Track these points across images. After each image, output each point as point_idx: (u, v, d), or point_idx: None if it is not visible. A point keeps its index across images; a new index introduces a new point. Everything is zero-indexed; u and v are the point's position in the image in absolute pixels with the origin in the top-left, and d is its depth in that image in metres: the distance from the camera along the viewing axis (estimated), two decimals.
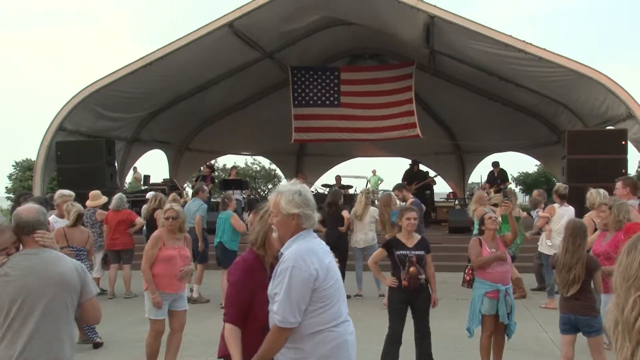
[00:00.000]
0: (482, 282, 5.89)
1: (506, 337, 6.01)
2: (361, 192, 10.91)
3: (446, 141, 21.63)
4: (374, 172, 21.49)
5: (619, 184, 6.84)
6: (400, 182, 13.13)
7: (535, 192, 11.33)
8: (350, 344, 3.22)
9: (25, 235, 3.33)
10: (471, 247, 6.02)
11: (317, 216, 3.26)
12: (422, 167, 19.54)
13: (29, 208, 3.44)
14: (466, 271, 6.10)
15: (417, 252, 5.85)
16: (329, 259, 3.23)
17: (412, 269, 5.78)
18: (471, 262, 6.06)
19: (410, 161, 19.03)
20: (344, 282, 11.48)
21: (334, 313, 3.14)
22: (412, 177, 17.69)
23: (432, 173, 20.13)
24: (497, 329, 5.92)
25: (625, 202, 6.26)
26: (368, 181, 20.09)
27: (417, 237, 6.00)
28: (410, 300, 5.88)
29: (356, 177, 21.53)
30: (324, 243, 3.37)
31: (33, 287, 3.19)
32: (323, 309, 3.09)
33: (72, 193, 8.75)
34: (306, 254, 3.10)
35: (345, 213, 10.41)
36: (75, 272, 3.32)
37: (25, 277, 3.19)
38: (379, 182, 20.85)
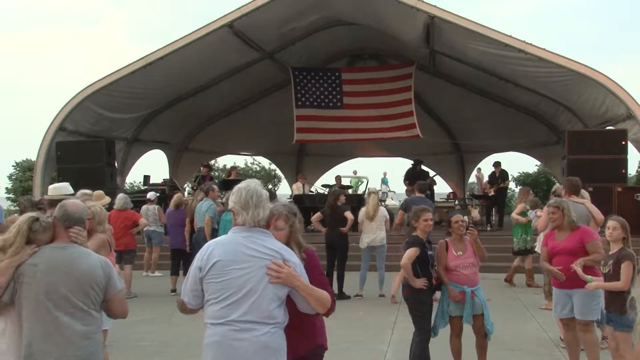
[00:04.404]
0: (449, 283, 5.79)
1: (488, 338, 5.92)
2: (370, 192, 10.70)
3: (446, 141, 21.64)
4: (354, 172, 21.41)
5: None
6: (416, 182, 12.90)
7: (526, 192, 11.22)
8: (224, 346, 3.10)
9: (62, 228, 3.40)
10: (437, 252, 5.84)
11: (250, 216, 3.21)
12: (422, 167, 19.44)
13: (76, 203, 3.54)
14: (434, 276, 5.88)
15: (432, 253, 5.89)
16: (227, 258, 3.13)
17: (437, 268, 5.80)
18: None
19: (412, 161, 18.94)
20: (342, 283, 11.21)
21: (218, 311, 3.13)
22: (414, 177, 17.65)
23: (431, 173, 20.12)
24: (478, 331, 5.85)
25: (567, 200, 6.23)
26: (367, 181, 20.07)
27: None
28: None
29: (358, 177, 21.52)
30: (271, 244, 3.22)
31: (58, 282, 3.26)
32: (210, 302, 3.16)
33: (91, 192, 8.62)
34: (210, 245, 3.26)
35: (348, 214, 10.19)
36: (100, 268, 3.38)
37: (50, 272, 3.27)
38: (359, 183, 20.82)
